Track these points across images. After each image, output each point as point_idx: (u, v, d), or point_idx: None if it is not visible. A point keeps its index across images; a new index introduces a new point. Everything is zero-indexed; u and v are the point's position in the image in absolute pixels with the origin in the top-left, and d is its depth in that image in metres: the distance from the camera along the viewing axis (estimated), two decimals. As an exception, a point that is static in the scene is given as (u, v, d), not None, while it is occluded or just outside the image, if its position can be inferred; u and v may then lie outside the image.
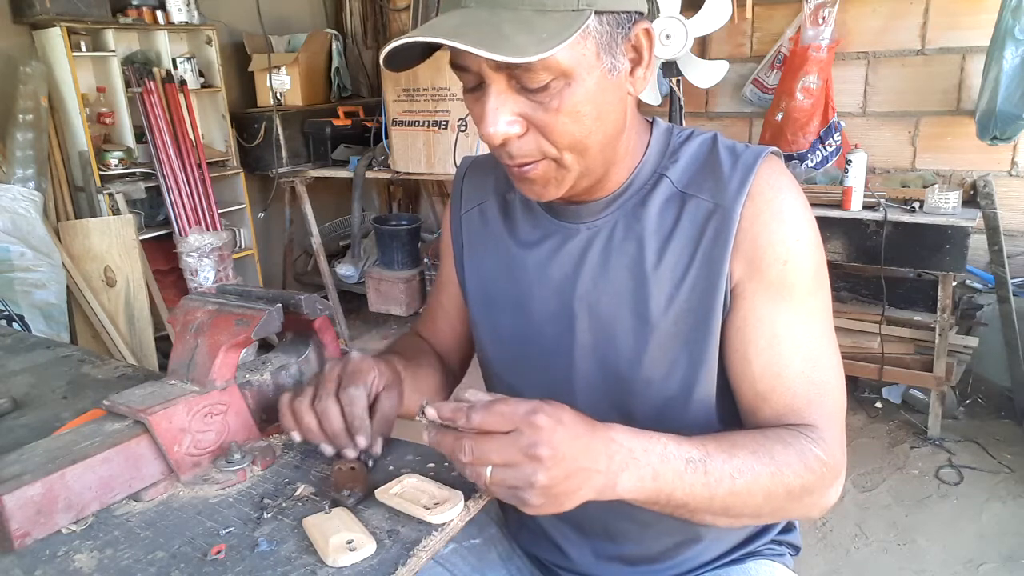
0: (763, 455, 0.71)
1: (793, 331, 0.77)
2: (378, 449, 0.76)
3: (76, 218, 3.04)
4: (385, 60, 0.71)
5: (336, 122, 3.63)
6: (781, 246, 0.77)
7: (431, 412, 0.65)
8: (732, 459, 0.70)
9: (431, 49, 0.72)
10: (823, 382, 0.78)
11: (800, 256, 0.77)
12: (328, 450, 0.75)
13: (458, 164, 1.02)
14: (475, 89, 0.73)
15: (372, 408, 0.75)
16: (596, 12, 0.67)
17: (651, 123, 0.86)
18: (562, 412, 0.63)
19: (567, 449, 0.61)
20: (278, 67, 3.60)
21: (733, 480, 0.69)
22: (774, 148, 0.82)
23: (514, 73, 0.68)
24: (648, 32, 0.73)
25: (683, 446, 0.68)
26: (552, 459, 0.60)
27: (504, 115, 0.70)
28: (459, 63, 0.71)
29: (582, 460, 0.62)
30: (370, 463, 0.77)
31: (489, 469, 0.61)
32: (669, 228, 0.81)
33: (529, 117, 0.71)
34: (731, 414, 0.83)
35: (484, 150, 1.03)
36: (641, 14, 0.73)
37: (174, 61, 3.24)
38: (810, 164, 2.87)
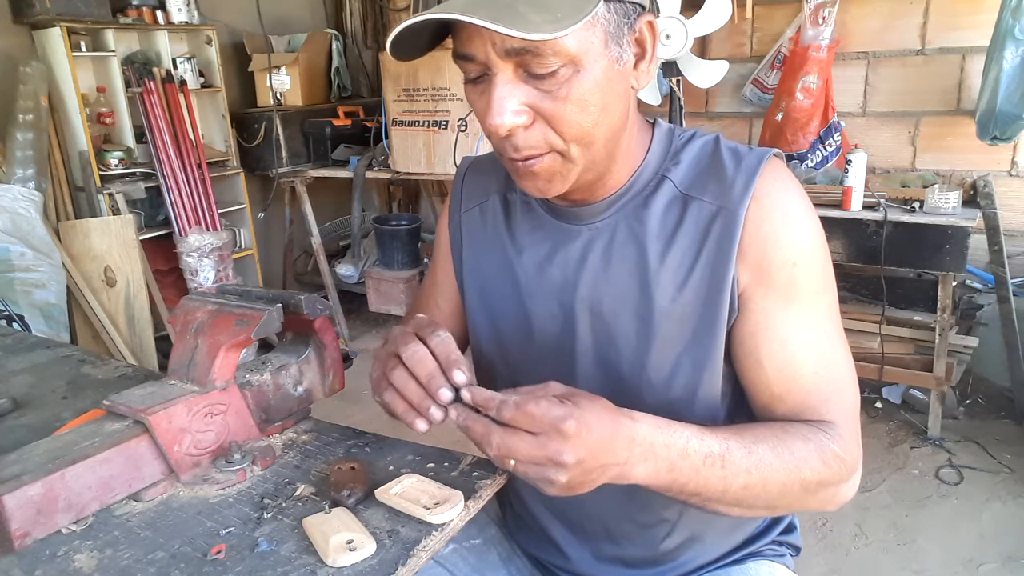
0: (783, 451, 0.72)
1: (804, 333, 0.77)
2: (470, 391, 0.67)
3: (76, 218, 3.04)
4: (392, 46, 0.69)
5: (336, 122, 3.63)
6: (789, 249, 0.76)
7: (466, 395, 0.66)
8: (751, 455, 0.71)
9: (439, 37, 0.71)
10: (837, 380, 0.78)
11: (808, 258, 0.77)
12: (422, 426, 0.69)
13: (458, 164, 1.02)
14: (478, 81, 0.71)
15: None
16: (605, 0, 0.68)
17: (652, 124, 0.85)
18: (591, 417, 0.63)
19: (590, 451, 0.63)
20: (278, 67, 3.60)
21: (749, 475, 0.70)
22: (776, 150, 0.82)
23: (522, 60, 0.67)
24: (652, 25, 0.74)
25: (705, 440, 0.70)
26: (576, 464, 0.62)
27: (511, 104, 0.69)
28: (464, 52, 0.70)
29: (602, 458, 0.64)
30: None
31: (513, 460, 0.63)
32: (671, 230, 0.80)
33: (536, 107, 0.70)
34: (736, 417, 0.83)
35: (484, 150, 1.02)
36: (643, 7, 0.73)
37: (174, 61, 3.23)
38: (810, 164, 2.87)
